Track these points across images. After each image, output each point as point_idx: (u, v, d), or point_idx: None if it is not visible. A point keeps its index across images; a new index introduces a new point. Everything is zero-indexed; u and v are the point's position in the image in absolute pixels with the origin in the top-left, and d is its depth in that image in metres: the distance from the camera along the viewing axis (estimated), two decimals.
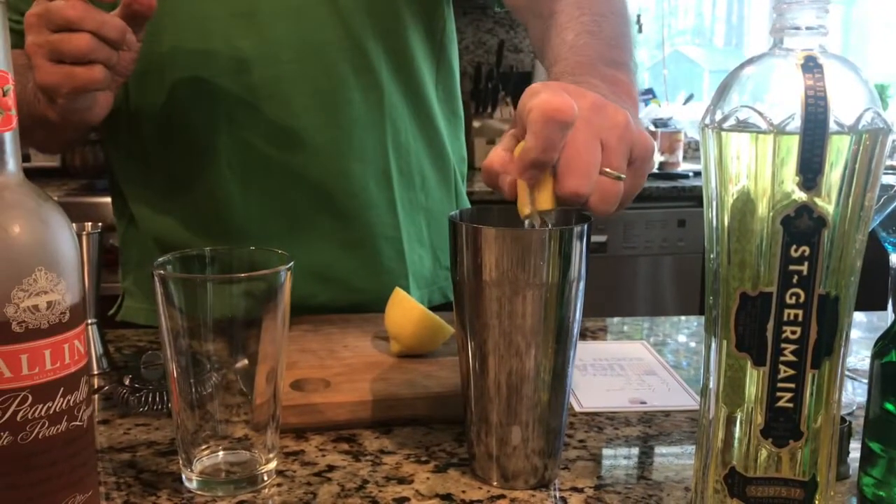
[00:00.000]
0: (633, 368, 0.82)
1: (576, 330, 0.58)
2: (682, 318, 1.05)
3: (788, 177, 0.44)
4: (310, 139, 0.90)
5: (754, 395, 0.47)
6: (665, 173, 2.68)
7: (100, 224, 0.80)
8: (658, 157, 2.72)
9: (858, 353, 0.86)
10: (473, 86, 2.92)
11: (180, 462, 0.59)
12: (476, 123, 2.83)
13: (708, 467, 0.50)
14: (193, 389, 0.57)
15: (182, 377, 0.57)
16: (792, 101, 0.44)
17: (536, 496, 0.58)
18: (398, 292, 0.80)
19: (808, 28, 0.46)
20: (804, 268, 0.45)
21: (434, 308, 0.82)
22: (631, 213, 2.52)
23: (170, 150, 0.92)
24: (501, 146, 0.57)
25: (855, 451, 0.61)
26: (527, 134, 0.53)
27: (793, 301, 0.46)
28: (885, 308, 0.91)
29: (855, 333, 0.94)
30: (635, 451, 0.66)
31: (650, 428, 0.70)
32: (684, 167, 2.76)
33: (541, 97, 0.52)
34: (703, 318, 0.52)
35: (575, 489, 0.59)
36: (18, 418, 0.45)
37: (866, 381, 0.60)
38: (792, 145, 0.44)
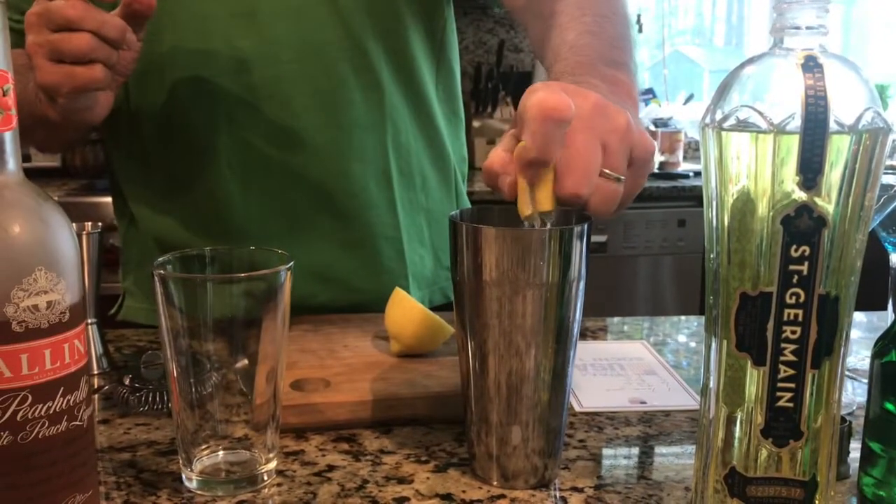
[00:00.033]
0: (633, 368, 0.82)
1: (576, 330, 0.58)
2: (682, 317, 1.05)
3: (788, 176, 0.44)
4: (310, 139, 0.90)
5: (754, 395, 0.47)
6: (665, 173, 2.68)
7: (100, 224, 0.80)
8: (658, 157, 2.72)
9: (858, 353, 0.86)
10: (473, 86, 2.92)
11: (180, 462, 0.59)
12: (476, 123, 2.84)
13: (708, 467, 0.50)
14: (193, 389, 0.57)
15: (182, 377, 0.57)
16: (792, 101, 0.44)
17: (536, 496, 0.58)
18: (398, 292, 0.80)
19: (808, 28, 0.46)
20: (804, 268, 0.45)
21: (435, 308, 0.82)
22: (631, 213, 2.52)
23: (170, 149, 0.92)
24: (502, 146, 0.57)
25: (855, 450, 0.61)
26: (524, 133, 0.53)
27: (793, 301, 0.46)
28: (885, 308, 0.91)
29: (855, 333, 0.94)
30: (635, 450, 0.66)
31: (650, 428, 0.70)
32: (684, 167, 2.76)
33: (537, 96, 0.52)
34: (703, 318, 0.52)
35: (575, 489, 0.59)
36: (18, 418, 0.45)
37: (866, 381, 0.60)
38: (792, 145, 0.44)
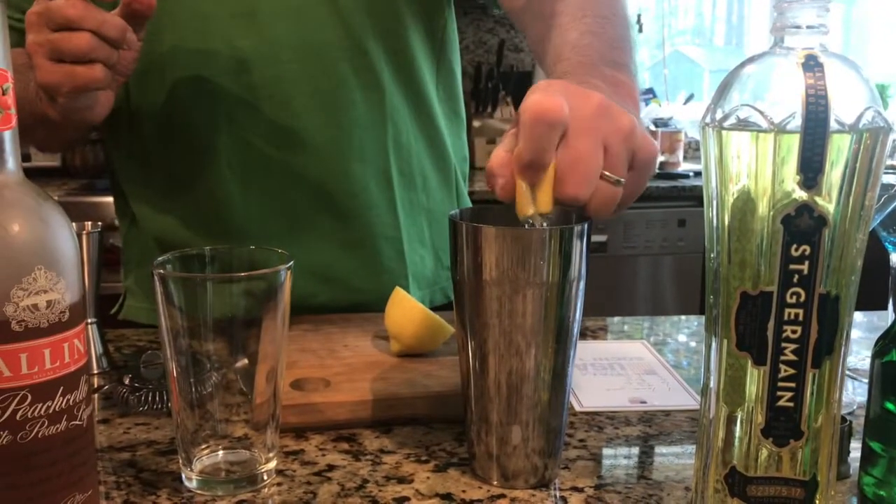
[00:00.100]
0: (633, 368, 0.82)
1: (576, 329, 0.58)
2: (683, 317, 1.05)
3: (789, 176, 0.44)
4: (310, 139, 0.90)
5: (755, 395, 0.47)
6: (665, 173, 2.68)
7: (100, 223, 0.80)
8: (658, 157, 2.71)
9: (859, 353, 0.86)
10: (473, 86, 2.92)
11: (180, 461, 0.59)
12: (476, 123, 2.84)
13: (708, 467, 0.50)
14: (193, 389, 0.57)
15: (182, 377, 0.57)
16: (792, 100, 0.44)
17: (536, 496, 0.58)
18: (398, 292, 0.80)
19: (808, 27, 0.46)
20: (805, 267, 0.45)
21: (436, 308, 0.82)
22: (631, 213, 2.52)
23: (170, 149, 0.92)
24: (503, 147, 0.56)
25: (855, 450, 0.60)
26: (520, 136, 0.53)
27: (793, 300, 0.46)
28: (885, 308, 0.91)
29: (855, 333, 0.94)
30: (635, 450, 0.66)
31: (650, 427, 0.70)
32: (684, 167, 2.76)
33: (532, 98, 0.52)
34: (703, 318, 0.52)
35: (575, 489, 0.59)
36: (18, 417, 0.44)
37: (867, 380, 0.60)
38: (792, 144, 0.44)
